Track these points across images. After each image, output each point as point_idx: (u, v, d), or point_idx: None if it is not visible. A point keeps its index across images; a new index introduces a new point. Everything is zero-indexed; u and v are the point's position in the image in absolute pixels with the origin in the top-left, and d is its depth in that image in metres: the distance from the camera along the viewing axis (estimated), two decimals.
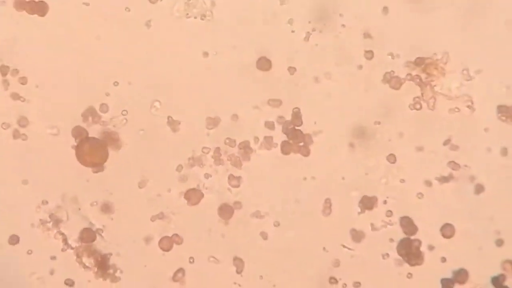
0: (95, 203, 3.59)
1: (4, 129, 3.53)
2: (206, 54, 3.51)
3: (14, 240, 3.57)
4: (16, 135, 3.54)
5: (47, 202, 3.58)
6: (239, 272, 3.59)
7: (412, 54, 3.46)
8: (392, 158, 3.52)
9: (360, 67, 3.48)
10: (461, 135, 3.48)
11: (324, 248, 3.57)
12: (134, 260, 3.61)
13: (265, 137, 3.56)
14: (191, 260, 3.61)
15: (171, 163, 3.57)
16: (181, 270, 3.60)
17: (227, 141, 3.56)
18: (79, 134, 3.54)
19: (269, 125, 3.55)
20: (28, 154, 3.55)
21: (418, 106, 3.47)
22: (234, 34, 3.50)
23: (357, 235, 3.56)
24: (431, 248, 3.53)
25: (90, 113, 3.54)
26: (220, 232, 3.60)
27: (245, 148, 3.56)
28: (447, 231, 3.51)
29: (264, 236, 3.59)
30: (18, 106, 3.52)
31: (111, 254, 3.61)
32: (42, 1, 3.44)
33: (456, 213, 3.50)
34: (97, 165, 3.56)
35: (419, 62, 3.45)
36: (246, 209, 3.59)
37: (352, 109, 3.51)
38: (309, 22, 3.47)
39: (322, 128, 3.54)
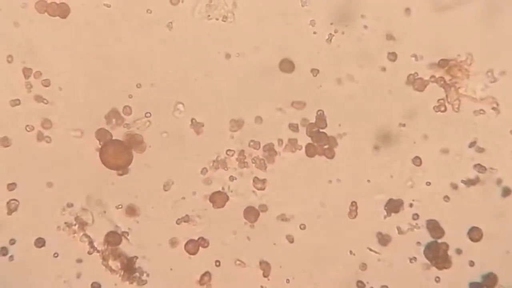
0: (120, 206, 3.59)
1: (28, 131, 3.50)
2: (228, 55, 3.49)
3: (40, 243, 3.56)
4: (40, 137, 3.52)
5: (72, 205, 3.57)
6: (265, 275, 3.59)
7: (435, 56, 3.43)
8: (417, 161, 3.50)
9: (384, 69, 3.46)
10: (487, 137, 3.46)
11: (350, 252, 3.57)
12: (160, 264, 3.60)
13: (290, 140, 3.55)
14: (217, 264, 3.61)
15: (196, 166, 3.56)
16: (207, 273, 3.61)
17: (251, 143, 3.56)
18: (103, 136, 3.53)
19: (293, 128, 3.54)
20: (52, 156, 3.54)
21: (442, 108, 3.45)
22: (256, 36, 3.47)
23: (383, 239, 3.55)
24: (459, 251, 3.53)
25: (113, 116, 3.52)
26: (246, 235, 3.60)
27: (270, 150, 3.55)
28: (474, 234, 3.49)
29: (290, 239, 3.58)
30: (41, 109, 3.49)
31: (137, 257, 3.61)
32: (63, 3, 3.42)
33: (483, 216, 3.49)
34: (122, 167, 3.55)
35: (443, 63, 3.42)
36: (272, 212, 3.58)
37: (376, 111, 3.50)
38: (331, 23, 3.44)
39: (347, 131, 3.52)
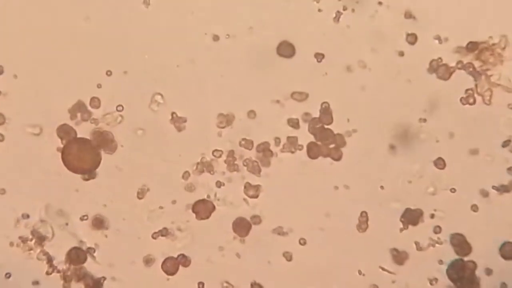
0: (85, 217, 3.47)
1: None
2: (216, 37, 3.35)
3: None
4: None
5: (28, 216, 3.45)
6: None
7: (463, 38, 3.28)
8: (440, 163, 3.36)
9: (401, 53, 3.31)
10: None
11: (359, 271, 3.45)
12: (133, 286, 3.50)
13: (288, 138, 3.41)
14: (201, 286, 3.50)
15: (176, 169, 3.44)
16: None
17: (243, 142, 3.42)
18: (66, 134, 3.40)
19: (293, 123, 3.40)
20: (5, 158, 3.40)
21: (471, 100, 3.30)
22: (250, 14, 3.34)
23: (399, 256, 3.43)
24: (488, 272, 3.40)
25: (78, 109, 3.39)
26: (235, 252, 3.47)
27: (265, 151, 3.41)
28: (507, 250, 3.35)
29: (287, 256, 3.46)
30: None
31: (105, 278, 3.50)
32: None
33: None
34: (88, 171, 3.43)
35: (472, 47, 3.27)
36: (266, 224, 3.45)
37: (392, 104, 3.35)
38: None
39: (357, 127, 3.37)
